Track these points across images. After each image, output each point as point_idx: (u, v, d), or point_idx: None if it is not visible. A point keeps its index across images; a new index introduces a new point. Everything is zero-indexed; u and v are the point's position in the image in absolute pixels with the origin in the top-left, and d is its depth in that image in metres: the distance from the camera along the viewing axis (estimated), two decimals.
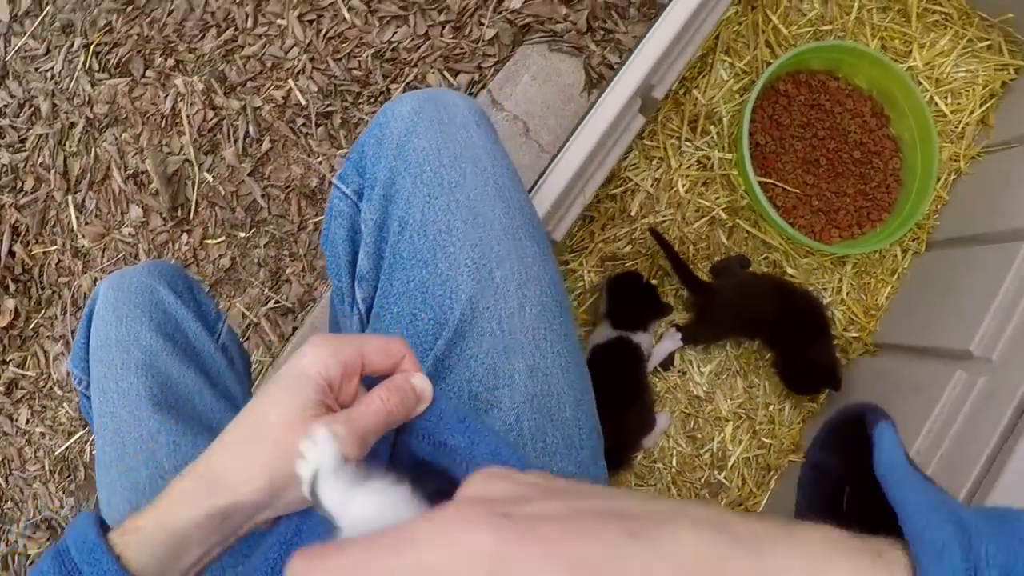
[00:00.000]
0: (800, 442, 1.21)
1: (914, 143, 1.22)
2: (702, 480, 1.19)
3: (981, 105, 1.24)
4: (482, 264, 0.54)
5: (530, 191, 0.83)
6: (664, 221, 1.20)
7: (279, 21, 1.27)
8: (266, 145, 1.23)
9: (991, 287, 1.00)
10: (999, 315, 0.97)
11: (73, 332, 1.16)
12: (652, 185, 1.20)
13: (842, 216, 1.23)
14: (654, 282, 1.18)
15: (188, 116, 1.22)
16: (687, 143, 1.22)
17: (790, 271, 1.23)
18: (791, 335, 1.15)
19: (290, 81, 1.24)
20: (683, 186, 1.20)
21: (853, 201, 1.24)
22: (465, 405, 0.53)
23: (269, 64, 1.26)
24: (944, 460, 0.92)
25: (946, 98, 1.25)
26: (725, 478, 1.19)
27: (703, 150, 1.22)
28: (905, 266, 1.24)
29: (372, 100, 1.26)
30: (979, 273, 1.07)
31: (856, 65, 1.24)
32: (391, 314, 0.57)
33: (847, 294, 1.23)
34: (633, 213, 1.18)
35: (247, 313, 1.18)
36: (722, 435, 1.19)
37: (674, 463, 1.19)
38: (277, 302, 1.20)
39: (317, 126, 1.24)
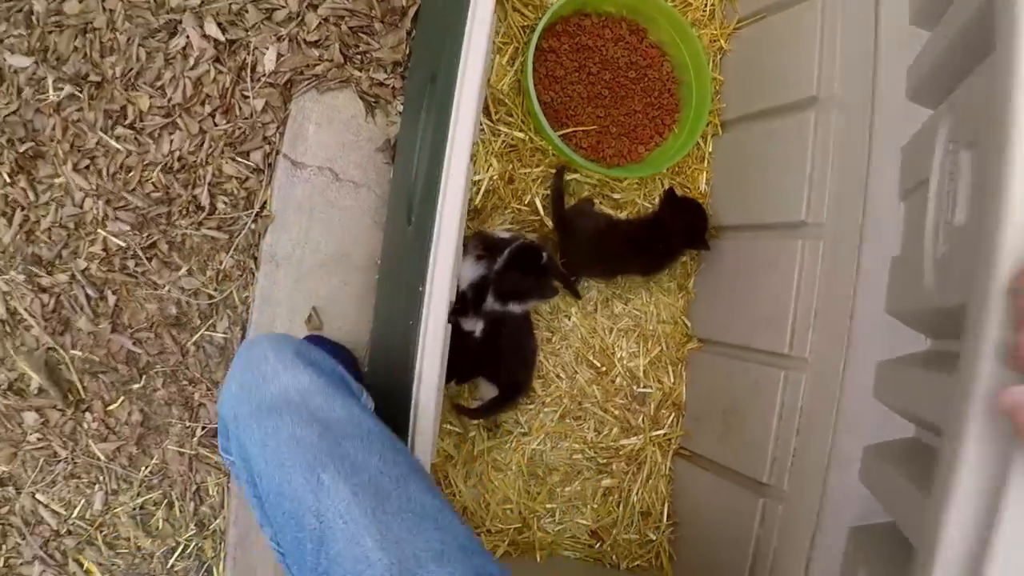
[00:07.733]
0: (690, 332, 1.37)
1: (675, 42, 1.30)
2: (628, 396, 1.36)
3: None
4: (310, 476, 0.67)
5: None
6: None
7: (57, 180, 1.25)
8: (112, 299, 1.26)
9: (796, 158, 1.10)
10: (815, 186, 1.08)
11: (37, 559, 1.25)
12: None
13: (641, 131, 1.33)
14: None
15: (27, 309, 1.24)
16: (484, 124, 1.28)
17: (616, 196, 1.34)
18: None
19: (99, 231, 1.25)
20: (497, 164, 1.27)
21: (644, 114, 1.33)
22: None
23: (72, 225, 1.25)
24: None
25: None
26: (644, 387, 1.37)
27: (504, 131, 1.28)
28: (710, 150, 1.36)
29: (184, 213, 1.28)
30: (778, 144, 1.17)
31: None
32: (289, 542, 0.69)
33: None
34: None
35: (183, 451, 1.28)
36: (621, 353, 1.35)
37: (598, 396, 1.36)
38: (203, 427, 1.29)
39: (149, 260, 1.27)
